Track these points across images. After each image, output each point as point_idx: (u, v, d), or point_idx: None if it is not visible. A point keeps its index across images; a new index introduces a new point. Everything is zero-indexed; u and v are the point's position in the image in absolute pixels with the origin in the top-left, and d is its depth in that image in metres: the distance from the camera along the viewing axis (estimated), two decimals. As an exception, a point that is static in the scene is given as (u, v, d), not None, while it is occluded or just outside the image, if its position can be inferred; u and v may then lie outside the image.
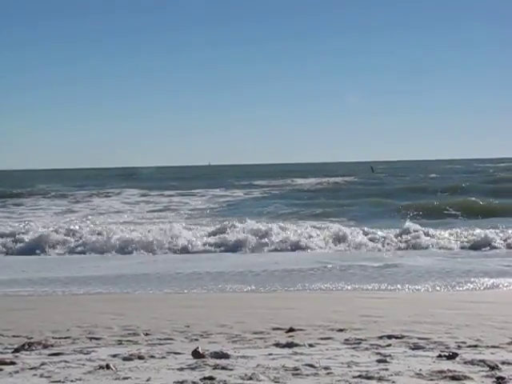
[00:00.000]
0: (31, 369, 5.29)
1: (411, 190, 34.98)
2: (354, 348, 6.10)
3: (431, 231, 17.75)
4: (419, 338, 6.55)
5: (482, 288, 10.79)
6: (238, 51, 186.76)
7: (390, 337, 6.65)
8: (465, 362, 5.34)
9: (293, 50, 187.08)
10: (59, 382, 4.85)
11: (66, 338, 6.93)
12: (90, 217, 24.14)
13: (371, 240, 17.09)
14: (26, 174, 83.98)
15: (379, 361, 5.45)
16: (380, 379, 4.81)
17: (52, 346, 6.42)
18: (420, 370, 5.08)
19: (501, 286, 10.92)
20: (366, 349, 6.03)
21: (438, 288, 10.79)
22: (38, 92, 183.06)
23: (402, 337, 6.65)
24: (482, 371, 5.05)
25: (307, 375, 4.98)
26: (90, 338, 6.89)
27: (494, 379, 4.82)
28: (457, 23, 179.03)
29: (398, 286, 11.00)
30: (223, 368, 5.20)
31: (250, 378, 4.85)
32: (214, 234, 18.03)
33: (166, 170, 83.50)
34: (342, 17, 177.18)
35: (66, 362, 5.55)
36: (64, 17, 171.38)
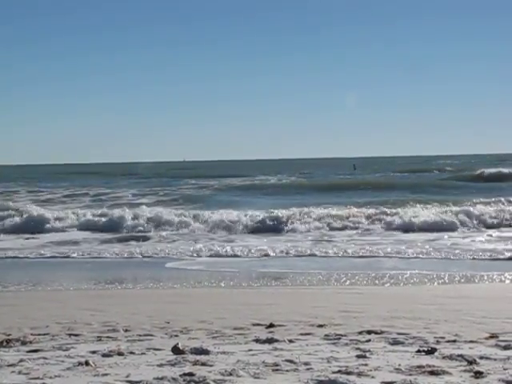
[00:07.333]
0: (9, 366, 5.25)
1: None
2: (333, 343, 6.11)
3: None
4: (398, 334, 6.58)
5: (460, 283, 10.86)
6: (215, 47, 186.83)
7: (369, 332, 6.68)
8: (443, 357, 5.37)
9: (269, 45, 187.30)
10: (38, 378, 4.81)
11: (44, 334, 6.89)
12: None
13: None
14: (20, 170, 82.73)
15: (359, 356, 5.47)
16: (359, 374, 4.82)
17: (31, 342, 6.38)
18: (399, 365, 5.10)
19: (479, 280, 11.00)
20: (346, 344, 6.05)
21: (416, 283, 10.84)
22: (28, 87, 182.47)
23: (382, 332, 6.68)
24: (461, 366, 5.08)
25: (287, 371, 4.98)
26: (70, 335, 6.85)
27: (472, 374, 4.84)
28: (462, 16, 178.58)
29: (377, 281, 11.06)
30: (203, 364, 5.19)
31: (230, 374, 4.84)
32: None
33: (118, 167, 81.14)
34: (338, 10, 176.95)
35: (44, 358, 5.51)
36: (64, 11, 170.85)
